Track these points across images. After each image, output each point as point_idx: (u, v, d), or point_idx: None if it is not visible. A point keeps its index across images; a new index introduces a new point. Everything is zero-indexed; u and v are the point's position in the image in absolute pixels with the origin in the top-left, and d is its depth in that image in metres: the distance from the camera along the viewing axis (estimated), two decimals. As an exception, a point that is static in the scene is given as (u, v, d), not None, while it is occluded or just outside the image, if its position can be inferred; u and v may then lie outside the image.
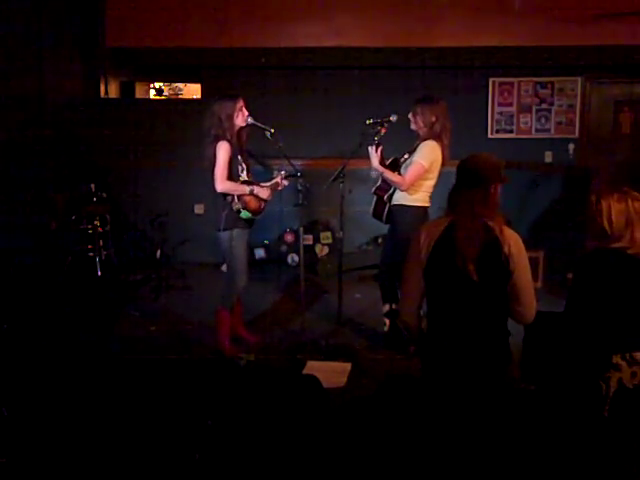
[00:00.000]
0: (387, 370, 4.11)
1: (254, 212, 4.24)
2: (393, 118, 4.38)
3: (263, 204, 4.31)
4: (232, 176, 4.21)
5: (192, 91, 8.95)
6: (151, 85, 8.92)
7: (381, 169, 4.28)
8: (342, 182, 4.66)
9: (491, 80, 7.14)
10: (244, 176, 4.29)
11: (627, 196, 2.58)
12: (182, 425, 2.94)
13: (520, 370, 3.47)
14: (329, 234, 6.90)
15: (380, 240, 6.69)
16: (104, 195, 6.42)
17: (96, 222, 6.17)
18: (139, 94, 8.43)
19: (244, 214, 4.18)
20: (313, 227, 6.85)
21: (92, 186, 6.30)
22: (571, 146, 7.14)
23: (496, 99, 7.17)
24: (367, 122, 4.40)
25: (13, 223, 5.91)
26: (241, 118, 4.24)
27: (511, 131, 7.20)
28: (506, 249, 2.43)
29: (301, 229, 4.72)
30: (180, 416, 3.01)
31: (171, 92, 9.27)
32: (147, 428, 2.96)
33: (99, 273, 6.09)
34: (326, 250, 6.87)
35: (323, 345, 4.50)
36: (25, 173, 6.15)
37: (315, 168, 5.90)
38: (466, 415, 2.46)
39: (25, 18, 6.22)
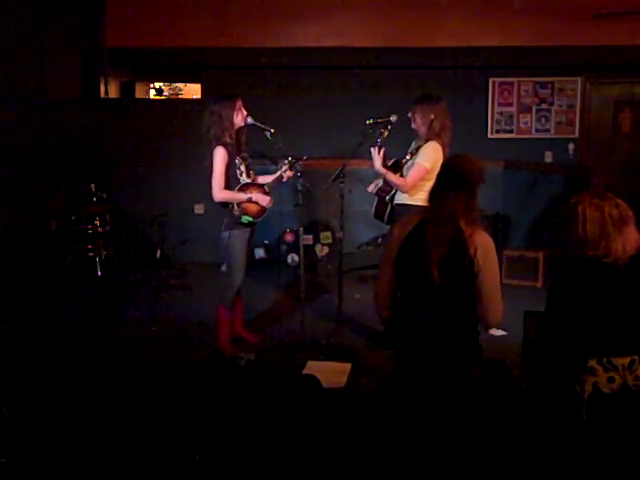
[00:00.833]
0: (387, 370, 4.10)
1: (255, 216, 4.24)
2: (393, 118, 4.38)
3: (267, 205, 4.30)
4: (230, 182, 4.21)
5: (192, 91, 8.95)
6: (151, 85, 8.93)
7: (384, 171, 4.27)
8: (342, 182, 4.66)
9: (491, 80, 7.15)
10: (244, 179, 4.27)
11: (605, 203, 2.48)
12: (182, 425, 2.94)
13: (520, 370, 3.47)
14: (329, 234, 6.90)
15: (380, 240, 6.69)
16: (104, 195, 6.42)
17: (96, 222, 6.17)
18: (139, 94, 8.43)
19: (245, 219, 4.19)
20: (313, 227, 6.85)
21: (92, 186, 6.31)
22: (571, 146, 7.15)
23: (496, 99, 7.17)
24: (367, 122, 4.40)
25: (13, 223, 5.91)
26: (240, 118, 4.24)
27: (511, 131, 7.20)
28: (472, 252, 2.42)
29: (301, 229, 4.72)
30: (180, 416, 3.01)
31: (171, 92, 9.27)
32: (147, 428, 2.96)
33: (99, 273, 6.10)
34: (326, 250, 6.87)
35: (323, 345, 4.50)
36: (25, 173, 6.15)
37: (315, 168, 5.90)
38: (434, 410, 2.47)
39: (25, 18, 6.22)
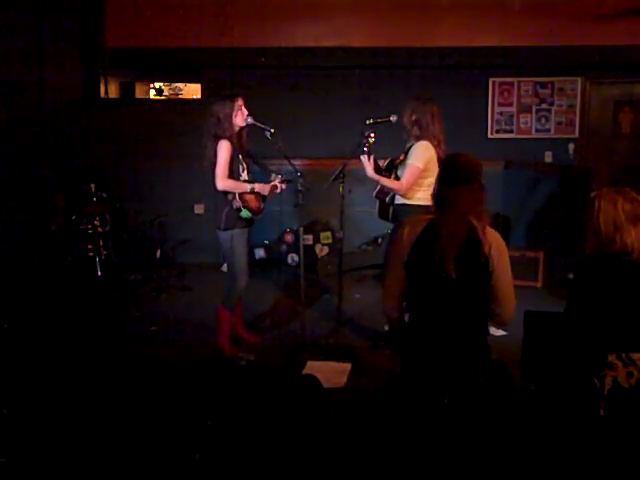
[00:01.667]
0: (387, 370, 4.10)
1: (254, 212, 4.25)
2: (393, 118, 4.38)
3: (262, 205, 4.32)
4: (233, 175, 4.21)
5: (192, 91, 8.95)
6: (151, 85, 8.93)
7: (377, 177, 4.29)
8: (342, 182, 4.65)
9: (491, 80, 7.15)
10: (244, 176, 4.29)
11: (619, 197, 2.54)
12: (182, 425, 2.94)
13: (520, 370, 3.47)
14: (329, 234, 6.90)
15: (380, 240, 6.70)
16: (104, 195, 6.42)
17: (96, 222, 6.17)
18: (139, 94, 8.43)
19: (244, 213, 4.18)
20: (313, 227, 6.85)
21: (92, 186, 6.30)
22: (571, 146, 7.15)
23: (496, 99, 7.17)
24: (367, 122, 4.40)
25: (13, 223, 5.91)
26: (240, 117, 4.24)
27: (511, 131, 7.20)
28: (486, 249, 2.43)
29: (301, 229, 4.72)
30: (180, 416, 3.01)
31: (171, 92, 9.28)
32: (147, 428, 2.96)
33: (99, 273, 6.10)
34: (326, 250, 6.87)
35: (323, 345, 4.50)
36: (25, 173, 6.15)
37: (315, 168, 5.90)
38: (441, 411, 2.47)
39: (25, 18, 6.22)
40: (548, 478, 2.61)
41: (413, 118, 4.24)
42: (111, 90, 7.32)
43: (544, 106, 7.16)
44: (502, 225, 6.55)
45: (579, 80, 7.10)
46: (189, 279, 6.23)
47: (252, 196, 4.22)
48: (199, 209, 6.99)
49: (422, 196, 4.31)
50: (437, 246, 2.42)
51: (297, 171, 4.43)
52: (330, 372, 4.01)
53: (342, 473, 2.78)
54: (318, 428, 2.99)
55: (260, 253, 6.92)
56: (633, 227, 2.50)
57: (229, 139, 4.17)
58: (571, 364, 2.62)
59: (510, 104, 7.17)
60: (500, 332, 4.56)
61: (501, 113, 7.18)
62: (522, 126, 7.19)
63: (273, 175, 4.47)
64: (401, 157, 4.38)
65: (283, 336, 4.74)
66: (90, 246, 6.16)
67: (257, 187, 4.24)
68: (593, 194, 2.63)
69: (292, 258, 6.82)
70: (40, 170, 6.29)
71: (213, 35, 6.79)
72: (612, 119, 7.21)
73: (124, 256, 6.58)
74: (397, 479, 2.69)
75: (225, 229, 4.21)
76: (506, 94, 7.17)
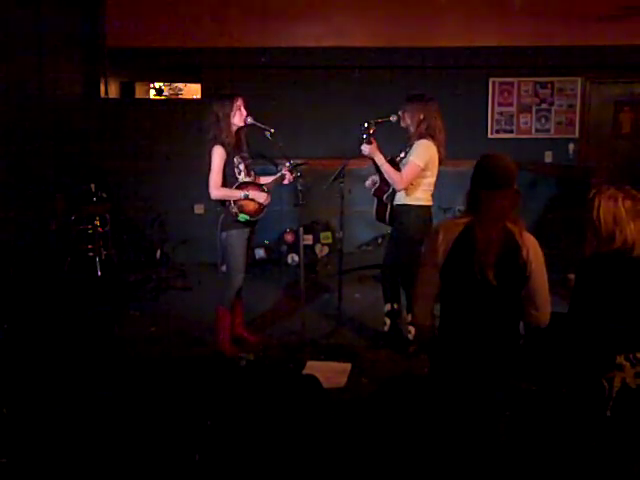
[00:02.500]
0: (387, 370, 4.11)
1: (252, 214, 4.25)
2: (393, 118, 4.38)
3: (262, 206, 4.31)
4: (228, 180, 4.21)
5: (192, 91, 8.95)
6: (151, 85, 8.93)
7: (382, 160, 4.26)
8: (342, 182, 4.66)
9: (491, 80, 7.15)
10: (242, 178, 4.28)
11: (620, 193, 2.55)
12: (182, 425, 2.94)
13: (520, 370, 3.47)
14: (329, 234, 6.90)
15: (380, 240, 6.70)
16: (104, 195, 6.42)
17: (96, 222, 6.17)
18: (139, 94, 8.43)
19: (242, 217, 4.19)
20: (313, 227, 6.85)
21: (92, 186, 6.31)
22: (571, 146, 7.15)
23: (496, 99, 7.17)
24: (367, 123, 4.39)
25: (13, 223, 5.90)
26: (239, 117, 4.24)
27: (511, 131, 7.20)
28: (524, 253, 2.40)
29: (301, 229, 4.72)
30: (180, 416, 3.01)
31: (171, 92, 9.28)
32: (147, 428, 2.96)
33: (99, 273, 6.09)
34: (326, 250, 6.87)
35: (323, 345, 4.50)
36: (25, 173, 6.15)
37: (315, 168, 5.90)
38: (473, 416, 2.45)
39: (25, 18, 6.22)
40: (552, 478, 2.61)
41: (420, 117, 4.23)
42: (111, 90, 7.32)
43: (544, 106, 7.16)
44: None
45: (579, 80, 7.10)
46: (189, 279, 6.23)
47: (248, 200, 4.22)
48: (199, 209, 6.99)
49: (422, 196, 4.32)
50: (476, 253, 2.37)
51: (299, 170, 4.43)
52: (330, 372, 4.01)
53: (342, 473, 2.78)
54: (318, 428, 2.99)
55: (260, 253, 6.92)
56: (633, 222, 2.51)
57: (224, 142, 4.16)
58: (578, 366, 2.61)
59: (510, 104, 7.17)
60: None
61: (501, 113, 7.18)
62: (522, 126, 7.19)
63: (280, 166, 4.47)
64: (401, 155, 4.38)
65: (283, 336, 4.74)
66: (90, 246, 6.16)
67: (252, 194, 4.23)
68: (593, 191, 2.63)
69: (292, 258, 6.82)
70: (40, 170, 6.29)
71: (213, 35, 6.79)
72: (612, 119, 7.21)
73: (124, 256, 6.58)
74: (396, 479, 2.69)
75: (222, 230, 4.23)
76: (506, 94, 7.17)
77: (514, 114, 7.17)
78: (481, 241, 2.39)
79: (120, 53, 6.95)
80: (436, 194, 4.43)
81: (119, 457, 2.82)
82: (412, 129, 4.27)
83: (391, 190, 4.37)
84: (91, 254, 6.14)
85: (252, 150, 4.50)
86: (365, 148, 4.25)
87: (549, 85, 7.14)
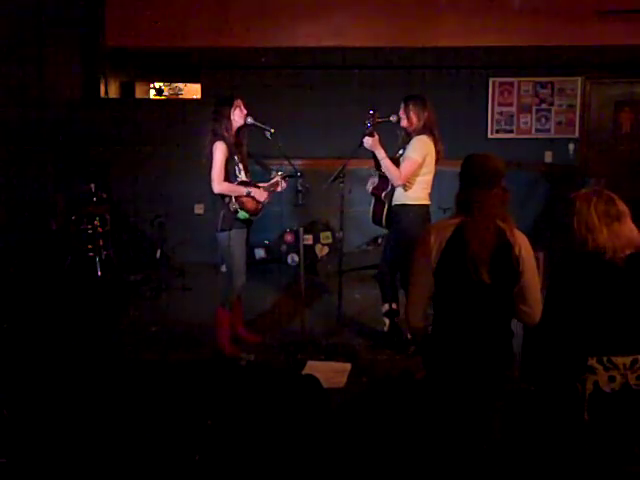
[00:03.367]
0: (387, 370, 4.11)
1: (251, 212, 4.25)
2: (393, 118, 4.38)
3: (261, 206, 4.31)
4: (229, 177, 4.21)
5: (192, 91, 8.95)
6: (151, 85, 8.92)
7: (383, 154, 4.26)
8: (342, 182, 4.65)
9: (491, 80, 7.14)
10: (242, 176, 4.28)
11: (594, 197, 2.52)
12: (182, 425, 2.94)
13: (520, 370, 3.47)
14: (329, 234, 6.90)
15: (380, 240, 6.69)
16: (104, 195, 6.41)
17: (96, 222, 6.16)
18: (139, 94, 8.42)
19: (241, 214, 4.18)
20: (313, 227, 6.85)
21: (92, 186, 6.30)
22: (571, 146, 7.15)
23: (496, 99, 7.17)
24: (370, 113, 4.39)
25: (13, 223, 5.91)
26: (239, 116, 4.24)
27: (511, 131, 7.20)
28: (517, 251, 2.41)
29: (301, 229, 4.72)
30: (180, 416, 3.01)
31: (171, 92, 9.27)
32: (147, 428, 2.96)
33: (99, 273, 6.09)
34: (326, 250, 6.87)
35: (323, 345, 4.50)
36: (25, 173, 6.15)
37: (315, 168, 5.89)
38: (468, 416, 2.45)
39: (25, 18, 6.22)
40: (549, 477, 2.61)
41: (426, 114, 4.25)
42: (111, 90, 7.32)
43: (544, 106, 7.16)
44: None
45: (579, 80, 7.10)
46: (189, 279, 6.23)
47: (249, 198, 4.22)
48: (199, 209, 6.99)
49: (420, 195, 4.32)
50: (469, 252, 2.37)
51: (297, 171, 4.43)
52: (330, 372, 4.01)
53: (342, 473, 2.78)
54: (318, 428, 2.99)
55: (260, 253, 6.92)
56: (606, 227, 2.47)
57: (226, 139, 4.17)
58: (553, 367, 2.59)
59: (510, 104, 7.17)
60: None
61: (501, 113, 7.18)
62: (522, 126, 7.19)
63: (274, 173, 4.47)
64: (400, 152, 4.39)
65: (283, 336, 4.74)
66: (90, 246, 6.15)
67: (253, 192, 4.23)
68: (573, 195, 2.60)
69: (292, 258, 6.82)
70: (40, 170, 6.29)
71: (213, 35, 6.78)
72: (612, 119, 7.20)
73: (124, 256, 6.58)
74: (396, 478, 2.69)
75: (222, 230, 4.21)
76: (506, 94, 7.16)
77: (514, 114, 7.17)
78: (474, 241, 2.39)
79: (120, 53, 6.95)
80: (436, 194, 4.43)
81: (119, 457, 2.82)
82: (418, 126, 4.28)
83: (390, 188, 4.37)
84: (91, 254, 6.14)
85: (251, 151, 4.50)
86: (367, 141, 4.25)
87: (549, 85, 7.14)
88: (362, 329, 4.90)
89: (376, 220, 4.52)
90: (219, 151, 4.14)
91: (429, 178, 4.32)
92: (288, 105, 6.86)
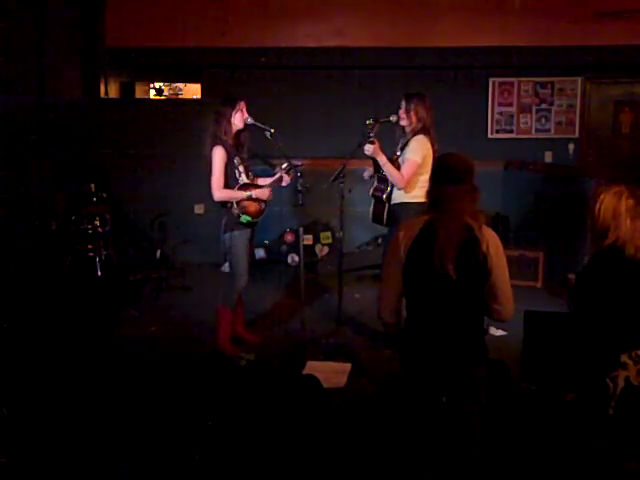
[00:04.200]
0: (387, 370, 4.11)
1: (254, 216, 4.25)
2: (393, 118, 4.39)
3: (263, 206, 4.32)
4: (229, 181, 4.21)
5: (192, 91, 8.95)
6: (151, 85, 8.92)
7: (385, 160, 4.28)
8: (342, 182, 4.66)
9: (491, 80, 7.15)
10: (243, 179, 4.28)
11: (625, 190, 2.57)
12: (182, 425, 2.95)
13: (520, 370, 3.47)
14: (329, 234, 6.90)
15: (380, 240, 6.69)
16: (104, 195, 6.41)
17: (96, 222, 6.16)
18: (139, 94, 8.43)
19: (244, 218, 4.19)
20: (313, 227, 6.85)
21: (92, 186, 6.30)
22: (571, 146, 7.15)
23: (496, 99, 7.17)
24: (367, 122, 4.40)
25: (13, 223, 5.90)
26: (239, 119, 4.24)
27: (511, 131, 7.20)
28: (484, 248, 2.42)
29: (301, 229, 4.72)
30: (180, 416, 3.01)
31: (171, 92, 9.27)
32: (147, 428, 2.96)
33: (99, 273, 6.09)
34: (326, 250, 6.87)
35: (323, 345, 4.50)
36: (25, 173, 6.15)
37: (315, 168, 5.89)
38: (441, 412, 2.46)
39: (25, 18, 6.22)
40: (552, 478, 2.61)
41: (425, 114, 4.26)
42: (111, 90, 7.32)
43: (544, 106, 7.16)
44: (502, 225, 6.56)
45: (579, 80, 7.11)
46: (189, 279, 6.23)
47: (250, 201, 4.23)
48: (199, 209, 7.00)
49: (419, 193, 4.32)
50: (435, 247, 2.40)
51: (297, 171, 4.43)
52: (330, 372, 4.01)
53: (342, 473, 2.79)
54: (318, 428, 2.99)
55: (260, 253, 6.92)
56: (630, 220, 2.52)
57: (224, 142, 4.17)
58: (582, 366, 2.62)
59: (510, 104, 7.17)
60: (500, 332, 4.56)
61: (501, 113, 7.18)
62: (522, 126, 7.19)
63: (277, 168, 4.47)
64: (398, 153, 4.39)
65: (283, 336, 4.74)
66: (90, 246, 6.15)
67: (255, 193, 4.24)
68: (601, 187, 2.65)
69: (292, 258, 6.82)
70: (40, 170, 6.29)
71: (213, 35, 6.78)
72: (612, 119, 7.21)
73: (124, 256, 6.58)
74: (396, 478, 2.69)
75: (225, 232, 4.25)
76: (506, 94, 7.17)
77: (514, 114, 7.17)
78: (441, 237, 2.41)
79: (120, 53, 6.95)
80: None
81: (119, 457, 2.82)
82: (417, 126, 4.29)
83: (390, 189, 4.38)
84: (91, 254, 6.13)
85: (251, 151, 4.50)
86: (368, 149, 4.26)
87: (549, 85, 7.15)
88: (362, 329, 4.90)
89: (376, 219, 4.53)
90: (218, 157, 4.15)
91: (427, 177, 4.32)
92: (288, 105, 6.86)
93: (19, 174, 6.01)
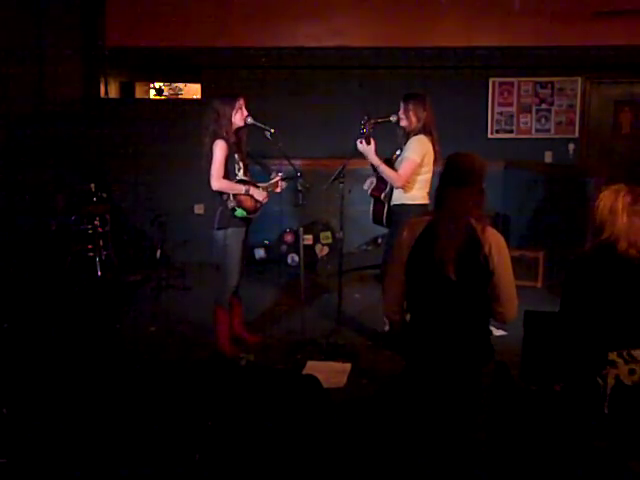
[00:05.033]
0: (387, 370, 4.11)
1: (249, 211, 4.24)
2: (393, 118, 4.39)
3: (259, 205, 4.31)
4: (228, 176, 4.21)
5: (192, 91, 8.95)
6: (151, 85, 8.92)
7: (377, 161, 4.29)
8: (342, 182, 4.65)
9: (491, 80, 7.15)
10: (241, 175, 4.28)
11: (624, 188, 2.59)
12: (182, 425, 2.94)
13: (520, 370, 3.47)
14: (329, 234, 6.90)
15: (380, 240, 6.69)
16: (104, 195, 6.41)
17: (96, 222, 6.16)
18: (139, 94, 8.43)
19: (239, 212, 4.18)
20: (313, 227, 6.85)
21: (92, 186, 6.30)
22: (571, 146, 7.15)
23: (496, 99, 7.17)
24: (362, 122, 4.40)
25: (13, 223, 5.90)
26: (239, 117, 4.24)
27: (511, 131, 7.20)
28: (486, 249, 2.42)
29: (301, 229, 4.72)
30: (180, 416, 3.01)
31: (171, 92, 9.27)
32: (147, 428, 2.96)
33: (99, 273, 6.09)
34: (326, 250, 6.87)
35: (323, 345, 4.50)
36: (25, 173, 6.15)
37: (315, 168, 5.89)
38: (443, 411, 2.46)
39: (25, 18, 6.22)
40: (551, 478, 2.61)
41: (425, 114, 4.26)
42: (111, 90, 7.32)
43: (544, 106, 7.16)
44: (502, 225, 6.56)
45: (579, 80, 7.11)
46: (189, 279, 6.23)
47: (247, 196, 4.22)
48: (199, 209, 7.00)
49: (419, 194, 4.33)
50: (436, 248, 2.40)
51: (297, 171, 4.43)
52: (330, 372, 4.01)
53: (342, 473, 2.78)
54: (318, 428, 2.99)
55: (260, 253, 6.92)
56: (627, 216, 2.53)
57: (226, 138, 4.17)
58: (572, 363, 2.62)
59: (510, 104, 7.17)
60: (500, 332, 4.56)
61: (501, 113, 7.18)
62: (522, 126, 7.19)
63: (273, 174, 4.47)
64: (397, 152, 4.40)
65: (283, 336, 4.74)
66: (90, 246, 6.15)
67: (252, 191, 4.24)
68: (603, 188, 2.66)
69: (292, 258, 6.81)
70: (40, 170, 6.29)
71: (213, 35, 6.78)
72: (612, 119, 7.20)
73: (124, 256, 6.58)
74: (396, 478, 2.69)
75: (219, 228, 4.21)
76: (506, 94, 7.17)
77: (514, 114, 7.17)
78: (442, 237, 2.42)
79: (120, 53, 6.94)
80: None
81: (119, 457, 2.82)
82: (417, 126, 4.29)
83: (389, 189, 4.38)
84: (91, 254, 6.14)
85: (251, 151, 4.50)
86: (361, 147, 4.27)
87: (549, 85, 7.15)
88: (362, 329, 4.90)
89: (377, 220, 4.53)
90: (219, 149, 4.14)
91: (428, 177, 4.33)
92: (288, 105, 6.86)
93: (19, 174, 6.01)
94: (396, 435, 2.76)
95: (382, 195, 4.41)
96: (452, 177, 2.53)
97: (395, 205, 4.36)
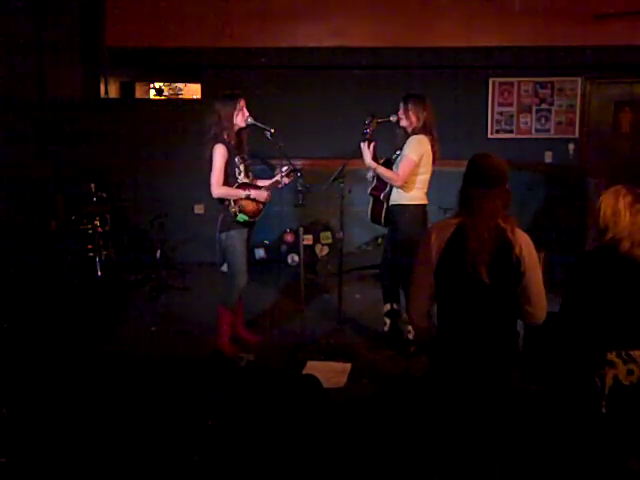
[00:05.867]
0: (387, 370, 4.11)
1: (251, 215, 4.24)
2: (393, 118, 4.40)
3: (261, 206, 4.31)
4: (228, 180, 4.21)
5: (192, 91, 8.95)
6: (151, 85, 8.92)
7: (374, 165, 4.31)
8: (342, 182, 4.66)
9: (491, 80, 7.15)
10: (242, 178, 4.28)
11: (624, 189, 2.62)
12: (182, 425, 2.95)
13: (520, 370, 3.46)
14: (329, 234, 6.90)
15: (380, 240, 6.70)
16: (104, 195, 6.41)
17: (96, 222, 6.16)
18: (139, 94, 8.43)
19: (241, 217, 4.19)
20: (313, 227, 6.85)
21: (92, 186, 6.30)
22: (571, 146, 7.15)
23: (496, 99, 7.17)
24: (366, 122, 4.41)
25: (13, 223, 5.90)
26: (241, 118, 4.24)
27: (511, 131, 7.20)
28: (517, 250, 2.40)
29: (301, 229, 4.72)
30: (180, 416, 3.01)
31: (171, 92, 9.27)
32: (147, 428, 2.96)
33: (99, 273, 6.09)
34: (326, 250, 6.87)
35: (323, 345, 4.50)
36: (25, 173, 6.15)
37: (315, 168, 5.89)
38: (472, 416, 2.44)
39: (25, 18, 6.22)
40: (552, 477, 2.61)
41: (425, 114, 4.27)
42: (111, 90, 7.31)
43: (544, 106, 7.16)
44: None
45: (579, 80, 7.10)
46: (189, 279, 6.23)
47: (248, 200, 4.22)
48: (199, 209, 6.99)
49: (416, 194, 4.33)
50: (468, 252, 2.37)
51: (297, 171, 4.43)
52: (330, 372, 4.01)
53: (342, 473, 2.78)
54: (318, 428, 2.99)
55: (260, 253, 6.92)
56: (630, 216, 2.56)
57: (226, 140, 4.17)
58: (570, 363, 2.62)
59: (510, 104, 7.17)
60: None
61: (501, 113, 7.18)
62: (522, 126, 7.19)
63: (278, 169, 4.47)
64: (397, 152, 4.40)
65: (283, 336, 4.74)
66: (90, 246, 6.15)
67: (253, 194, 4.24)
68: (603, 191, 2.71)
69: (292, 258, 6.81)
70: (40, 170, 6.29)
71: (213, 35, 6.78)
72: (612, 119, 7.20)
73: (124, 256, 6.58)
74: (396, 479, 2.69)
75: (221, 231, 4.23)
76: (506, 94, 7.16)
77: (514, 114, 7.17)
78: (473, 240, 2.38)
79: (120, 53, 6.94)
80: (436, 194, 4.44)
81: (119, 457, 2.82)
82: (416, 126, 4.29)
83: (388, 189, 4.38)
84: (91, 254, 6.13)
85: (252, 151, 4.50)
86: (364, 151, 4.29)
87: (549, 85, 7.14)
88: (362, 329, 4.90)
89: (375, 219, 4.54)
90: (219, 154, 4.14)
91: (426, 177, 4.34)
92: (288, 105, 6.86)
93: (19, 174, 6.01)
94: (396, 435, 2.76)
95: (381, 195, 4.42)
96: (481, 178, 2.49)
97: (393, 205, 4.36)
